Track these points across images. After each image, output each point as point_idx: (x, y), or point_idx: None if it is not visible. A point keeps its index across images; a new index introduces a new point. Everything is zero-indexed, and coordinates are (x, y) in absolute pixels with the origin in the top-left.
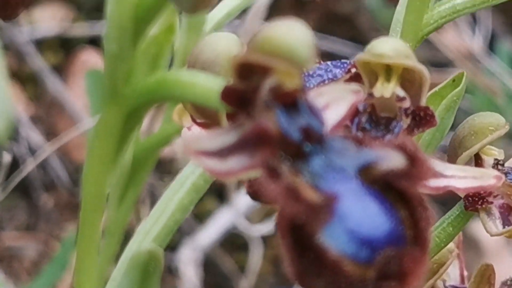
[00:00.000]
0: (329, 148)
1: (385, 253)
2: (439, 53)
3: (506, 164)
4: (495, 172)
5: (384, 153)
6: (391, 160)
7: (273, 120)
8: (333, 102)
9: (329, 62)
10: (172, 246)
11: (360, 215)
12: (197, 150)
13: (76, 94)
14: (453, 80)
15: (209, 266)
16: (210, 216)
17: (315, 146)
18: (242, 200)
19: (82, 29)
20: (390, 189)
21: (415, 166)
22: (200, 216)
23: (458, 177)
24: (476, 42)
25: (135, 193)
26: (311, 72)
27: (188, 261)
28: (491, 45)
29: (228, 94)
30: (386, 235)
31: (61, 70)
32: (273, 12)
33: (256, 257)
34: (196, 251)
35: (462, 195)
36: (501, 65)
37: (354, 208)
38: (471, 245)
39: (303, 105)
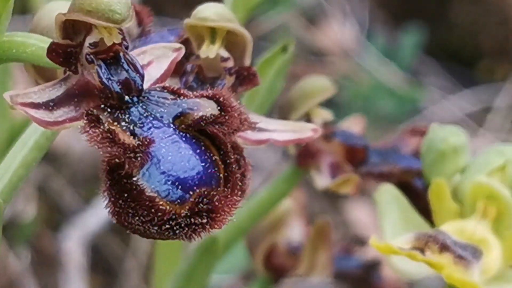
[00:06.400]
0: (148, 99)
1: (198, 192)
2: (319, 43)
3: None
4: (313, 126)
5: (198, 103)
6: (204, 108)
7: (95, 74)
8: (156, 59)
9: (165, 30)
10: (60, 228)
11: (174, 158)
12: (24, 102)
13: None
14: (283, 48)
15: (97, 247)
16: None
17: (134, 98)
18: None
19: None
20: (204, 135)
21: (227, 114)
22: (88, 198)
23: (279, 131)
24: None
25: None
26: (147, 39)
27: (75, 242)
28: (368, 37)
29: (53, 51)
30: (199, 176)
31: None
32: None
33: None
34: (84, 232)
35: (291, 151)
36: (375, 56)
37: (168, 151)
38: (344, 225)
39: (123, 60)
